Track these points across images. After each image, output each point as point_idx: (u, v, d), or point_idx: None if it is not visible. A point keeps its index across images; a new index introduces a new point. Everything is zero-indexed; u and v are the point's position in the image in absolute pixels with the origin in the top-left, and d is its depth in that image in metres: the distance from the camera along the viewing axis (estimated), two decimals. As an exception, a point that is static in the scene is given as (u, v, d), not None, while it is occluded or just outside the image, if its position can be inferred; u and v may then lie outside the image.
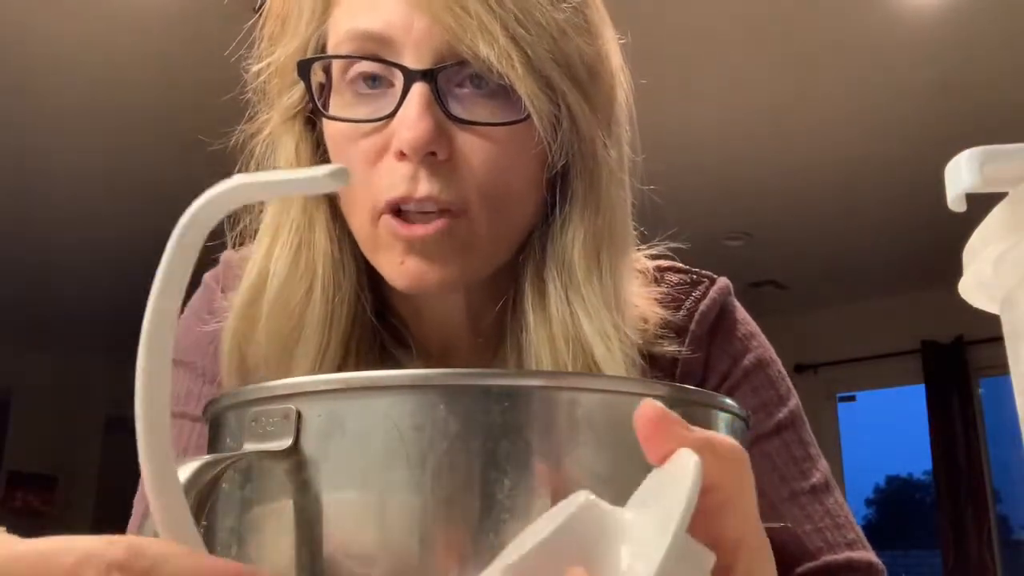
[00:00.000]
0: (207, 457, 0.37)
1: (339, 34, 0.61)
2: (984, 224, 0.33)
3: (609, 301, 0.62)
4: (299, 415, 0.36)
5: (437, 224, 0.58)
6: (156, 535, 0.34)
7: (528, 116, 0.58)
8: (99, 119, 3.63)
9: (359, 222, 0.62)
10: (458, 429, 0.35)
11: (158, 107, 3.54)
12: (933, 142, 3.61)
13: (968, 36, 3.10)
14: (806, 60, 3.27)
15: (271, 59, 0.65)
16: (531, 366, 0.62)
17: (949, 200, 0.32)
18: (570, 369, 0.60)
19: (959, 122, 3.55)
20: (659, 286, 0.70)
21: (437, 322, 0.67)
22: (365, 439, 0.35)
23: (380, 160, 0.59)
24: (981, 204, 0.34)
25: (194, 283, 0.75)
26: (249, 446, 0.37)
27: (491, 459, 0.35)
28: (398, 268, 0.60)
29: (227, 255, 0.73)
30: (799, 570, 0.67)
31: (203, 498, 0.36)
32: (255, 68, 0.67)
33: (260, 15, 0.67)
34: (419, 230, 0.58)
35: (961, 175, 0.31)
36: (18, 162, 3.92)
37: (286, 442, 0.36)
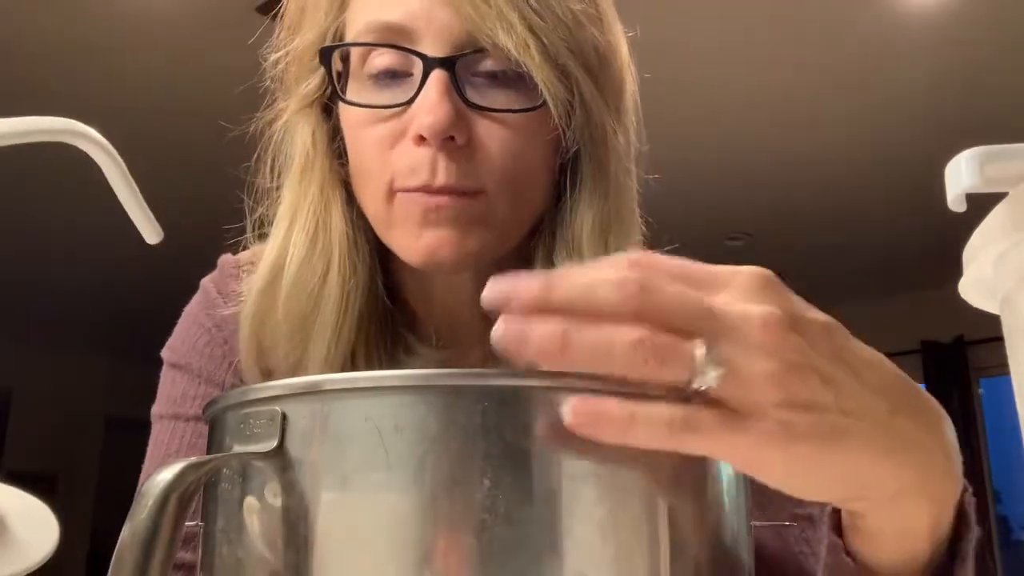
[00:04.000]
0: (191, 459, 0.37)
1: (359, 25, 0.62)
2: (984, 224, 0.33)
3: None
4: (284, 417, 0.36)
5: (453, 198, 0.59)
6: None
7: (543, 103, 0.59)
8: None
9: (373, 202, 0.62)
10: (437, 430, 0.35)
11: (158, 111, 3.54)
12: (933, 142, 3.61)
13: (968, 36, 3.10)
14: (807, 61, 3.27)
15: (290, 48, 0.67)
16: None
17: (949, 200, 0.32)
18: None
19: (959, 122, 3.55)
20: None
21: (447, 308, 0.68)
22: (346, 440, 0.35)
23: (397, 144, 0.60)
24: (981, 204, 0.34)
25: (192, 288, 0.75)
26: (237, 448, 0.38)
27: (470, 460, 0.35)
28: (414, 243, 0.60)
29: (224, 259, 0.74)
30: None
31: (186, 500, 0.36)
32: (274, 56, 0.68)
33: (274, 13, 0.68)
34: (436, 199, 0.59)
35: (961, 175, 0.31)
36: (17, 163, 3.93)
37: (271, 443, 0.36)
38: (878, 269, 5.32)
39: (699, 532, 0.38)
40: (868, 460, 0.38)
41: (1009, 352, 0.33)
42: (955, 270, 0.36)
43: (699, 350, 0.35)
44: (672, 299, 0.36)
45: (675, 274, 0.37)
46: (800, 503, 0.70)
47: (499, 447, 0.35)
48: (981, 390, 5.60)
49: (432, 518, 0.34)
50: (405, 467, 0.34)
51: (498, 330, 0.36)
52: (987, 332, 4.67)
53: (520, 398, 0.36)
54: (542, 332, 0.35)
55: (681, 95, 3.40)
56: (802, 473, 0.38)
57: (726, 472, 0.41)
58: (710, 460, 0.40)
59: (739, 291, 0.38)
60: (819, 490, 0.40)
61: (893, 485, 0.40)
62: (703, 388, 0.35)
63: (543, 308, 0.35)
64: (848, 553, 0.46)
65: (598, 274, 0.36)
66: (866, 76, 3.35)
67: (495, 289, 0.36)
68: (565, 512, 0.35)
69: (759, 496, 0.44)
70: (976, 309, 0.37)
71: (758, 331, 0.36)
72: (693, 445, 0.36)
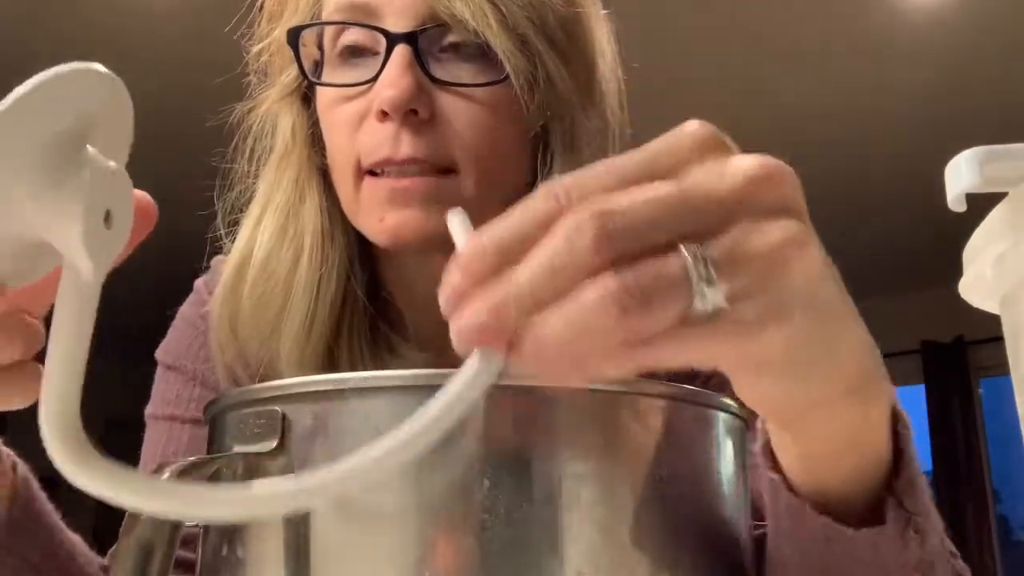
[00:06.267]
0: (191, 459, 0.37)
1: (328, 7, 0.63)
2: (984, 224, 0.33)
3: None
4: (284, 417, 0.37)
5: (418, 180, 0.59)
6: None
7: (507, 77, 0.59)
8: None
9: (344, 186, 0.63)
10: None
11: (158, 111, 3.54)
12: (933, 142, 3.61)
13: (968, 36, 3.10)
14: (806, 60, 3.27)
15: (270, 39, 0.67)
16: None
17: (949, 200, 0.32)
18: None
19: (959, 122, 3.55)
20: None
21: (429, 299, 0.67)
22: (347, 440, 0.36)
23: (363, 123, 0.61)
24: (981, 204, 0.34)
25: (187, 289, 0.75)
26: (237, 448, 0.38)
27: (470, 460, 0.35)
28: (379, 224, 0.60)
29: (217, 260, 0.74)
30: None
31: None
32: (255, 48, 0.68)
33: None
34: (403, 182, 0.59)
35: (961, 175, 0.31)
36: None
37: (271, 443, 0.36)
38: (878, 269, 5.32)
39: (699, 532, 0.38)
40: (845, 335, 0.34)
41: (1009, 352, 0.33)
42: (955, 270, 0.35)
43: (690, 261, 0.28)
44: (638, 212, 0.28)
45: (614, 177, 0.30)
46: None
47: (499, 447, 0.35)
48: (981, 390, 5.60)
49: (432, 518, 0.34)
50: (404, 467, 0.35)
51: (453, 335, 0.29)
52: (987, 332, 4.67)
53: (520, 398, 0.36)
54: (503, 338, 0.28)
55: (678, 93, 3.40)
56: (804, 354, 0.32)
57: (726, 472, 0.41)
58: (710, 459, 0.40)
59: (693, 155, 0.31)
60: (827, 373, 0.33)
61: (853, 369, 0.35)
62: (712, 308, 0.28)
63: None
64: (790, 488, 0.41)
65: (548, 241, 0.28)
66: (865, 75, 3.35)
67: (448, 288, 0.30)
68: (565, 512, 0.35)
69: None
70: (976, 309, 0.37)
71: (743, 194, 0.30)
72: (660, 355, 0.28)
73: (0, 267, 0.34)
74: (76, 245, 0.31)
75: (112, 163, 0.33)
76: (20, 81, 0.30)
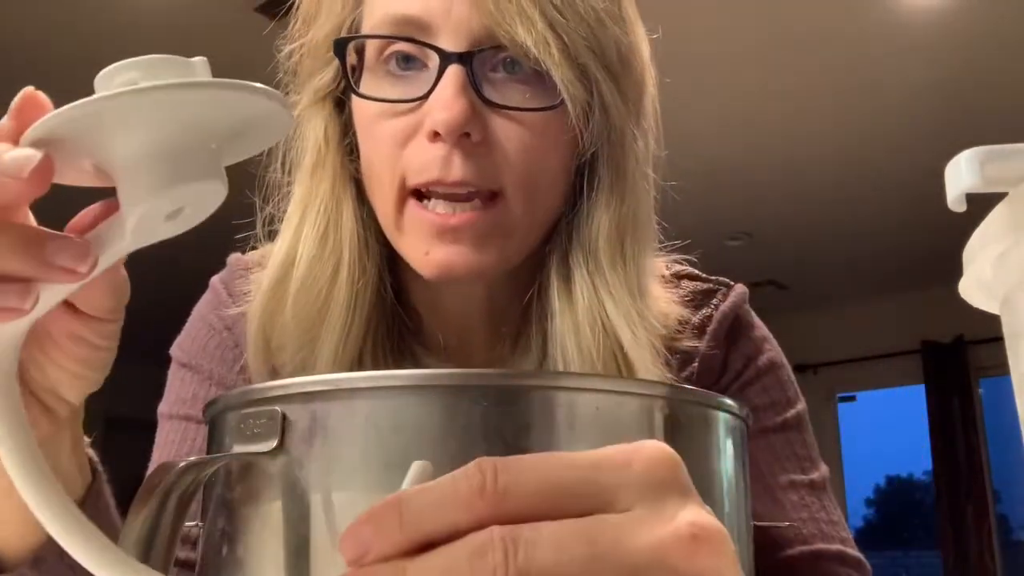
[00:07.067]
0: (191, 459, 0.37)
1: (375, 17, 0.61)
2: (984, 224, 0.33)
3: (633, 289, 0.62)
4: (284, 417, 0.37)
5: (467, 215, 0.58)
6: None
7: (562, 102, 0.58)
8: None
9: (384, 204, 0.61)
10: (437, 430, 0.35)
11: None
12: (933, 142, 3.61)
13: (969, 36, 3.10)
14: (807, 60, 3.27)
15: (304, 40, 0.66)
16: (556, 355, 0.62)
17: (949, 200, 0.32)
18: (596, 356, 0.60)
19: (959, 122, 3.55)
20: (677, 291, 0.70)
21: (454, 314, 0.67)
22: (346, 440, 0.36)
23: (411, 141, 0.59)
24: (981, 204, 0.34)
25: (193, 287, 0.75)
26: (237, 448, 0.38)
27: (470, 460, 0.35)
28: (424, 258, 0.59)
29: (233, 258, 0.73)
30: (790, 552, 0.67)
31: (186, 500, 0.36)
32: (288, 48, 0.67)
33: (283, 12, 0.68)
34: (451, 219, 0.58)
35: (961, 175, 0.31)
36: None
37: (271, 443, 0.36)
38: (878, 269, 5.32)
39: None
40: None
41: (1009, 352, 0.33)
42: (955, 270, 0.35)
43: None
44: (546, 556, 0.28)
45: (549, 487, 0.29)
46: (802, 471, 0.70)
47: (499, 447, 0.35)
48: (981, 390, 5.60)
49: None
50: (405, 467, 0.35)
51: None
52: (987, 332, 4.67)
53: (520, 398, 0.36)
54: None
55: (681, 96, 3.40)
56: None
57: (726, 472, 0.41)
58: (711, 459, 0.40)
59: (637, 486, 0.30)
60: None
61: None
62: None
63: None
64: None
65: (452, 550, 0.28)
66: (866, 77, 3.35)
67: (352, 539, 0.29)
68: (565, 512, 0.35)
69: (752, 467, 0.44)
70: (976, 309, 0.37)
71: (661, 555, 0.29)
72: None
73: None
74: (132, 219, 0.36)
75: (219, 182, 0.37)
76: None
